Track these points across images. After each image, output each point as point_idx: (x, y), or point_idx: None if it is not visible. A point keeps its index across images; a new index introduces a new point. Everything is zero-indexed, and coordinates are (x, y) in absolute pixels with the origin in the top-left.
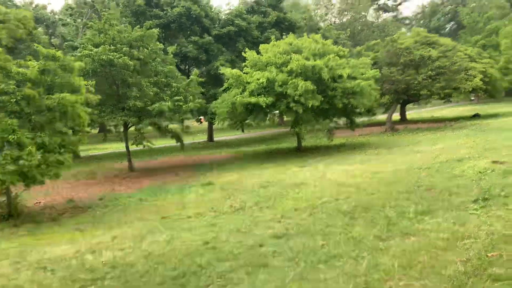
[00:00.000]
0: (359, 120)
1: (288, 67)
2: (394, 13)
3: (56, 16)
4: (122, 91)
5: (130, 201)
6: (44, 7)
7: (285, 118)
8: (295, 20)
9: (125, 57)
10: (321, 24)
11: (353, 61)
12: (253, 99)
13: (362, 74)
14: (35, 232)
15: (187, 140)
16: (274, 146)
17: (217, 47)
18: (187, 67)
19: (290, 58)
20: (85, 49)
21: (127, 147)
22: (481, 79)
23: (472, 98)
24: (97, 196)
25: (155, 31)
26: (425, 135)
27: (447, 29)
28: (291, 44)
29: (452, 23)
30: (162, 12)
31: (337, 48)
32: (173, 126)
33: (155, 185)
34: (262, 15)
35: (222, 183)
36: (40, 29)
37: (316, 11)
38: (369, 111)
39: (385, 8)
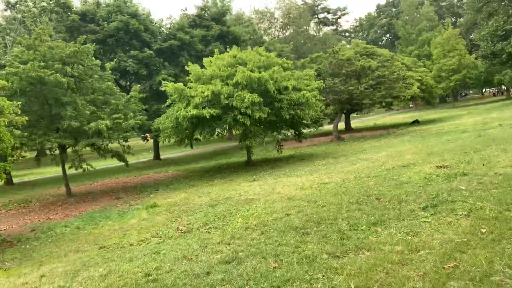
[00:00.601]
0: (306, 131)
1: (234, 80)
2: (334, 27)
3: None
4: (55, 111)
5: (65, 231)
6: None
7: (234, 132)
8: (239, 34)
9: (57, 74)
10: (265, 38)
11: (298, 73)
12: (196, 111)
13: (307, 85)
14: None
15: (131, 159)
16: (224, 161)
17: (159, 61)
18: (128, 83)
19: (235, 71)
20: (11, 67)
21: (63, 171)
22: (418, 87)
23: (410, 106)
24: (29, 227)
25: (90, 46)
26: (370, 143)
27: (384, 40)
28: (235, 57)
29: (388, 35)
30: (98, 27)
31: (281, 60)
32: (114, 145)
33: (95, 211)
34: (206, 29)
35: (168, 204)
36: None
37: (260, 25)
38: (316, 122)
39: (325, 22)
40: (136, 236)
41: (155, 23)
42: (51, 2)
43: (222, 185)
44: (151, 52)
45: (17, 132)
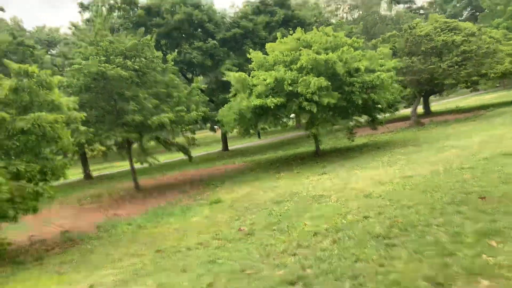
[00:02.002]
0: (381, 116)
1: (298, 64)
2: (408, 4)
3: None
4: (119, 106)
5: (127, 230)
6: (57, 30)
7: (302, 120)
8: (304, 17)
9: (118, 68)
10: (332, 21)
11: (370, 52)
12: (259, 101)
13: (381, 65)
14: (9, 279)
15: (201, 151)
16: (291, 151)
17: (223, 51)
18: (193, 75)
19: (299, 55)
20: (74, 64)
21: (131, 166)
22: (510, 62)
23: (497, 85)
24: (96, 223)
25: (150, 38)
26: (455, 128)
27: (464, 15)
28: (299, 40)
29: (469, 8)
30: (163, 20)
31: (350, 40)
32: (180, 138)
33: (160, 206)
34: (269, 15)
35: (232, 200)
36: (42, 50)
37: (326, 8)
38: (392, 106)
39: (397, 0)
40: (195, 238)
41: (219, 13)
42: (118, 0)
43: (289, 179)
44: (215, 42)
45: (82, 128)
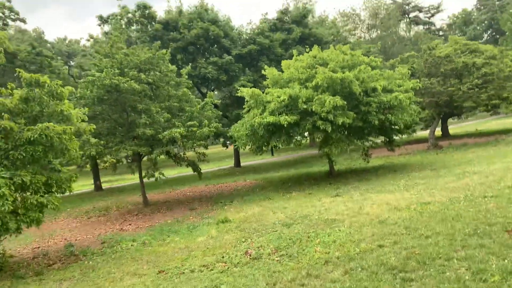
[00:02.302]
0: (398, 137)
1: (313, 82)
2: (427, 26)
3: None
4: (131, 119)
5: (131, 246)
6: (78, 42)
7: (317, 139)
8: (321, 36)
9: (132, 81)
10: (350, 40)
11: (388, 72)
12: (272, 119)
13: (399, 86)
14: None
15: (213, 167)
16: (304, 170)
17: (238, 67)
18: (207, 90)
19: (315, 73)
20: (89, 75)
21: (141, 180)
22: None
23: None
24: (101, 238)
25: (166, 52)
26: (475, 152)
27: (484, 38)
28: (315, 57)
29: (489, 31)
30: (179, 35)
31: (368, 58)
32: (190, 153)
33: (167, 223)
34: (286, 32)
35: (240, 220)
36: (60, 61)
37: (344, 27)
38: (409, 128)
39: (416, 21)
40: (200, 259)
41: (235, 29)
42: (136, 14)
43: (300, 199)
44: (231, 57)
45: (93, 140)
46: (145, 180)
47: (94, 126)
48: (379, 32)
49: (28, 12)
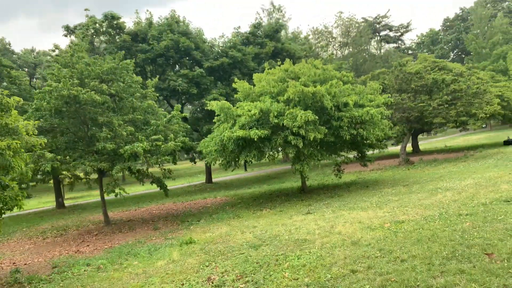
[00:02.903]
0: (370, 153)
1: (285, 96)
2: (396, 44)
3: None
4: (91, 132)
5: (84, 272)
6: (45, 53)
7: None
8: (294, 51)
9: (92, 92)
10: (323, 56)
11: (360, 87)
12: (241, 133)
13: (371, 101)
14: None
15: (183, 182)
16: (277, 186)
17: (209, 80)
18: (178, 103)
19: (287, 86)
20: (45, 86)
21: (102, 198)
22: (498, 103)
23: (484, 126)
24: (53, 262)
25: (130, 62)
26: (445, 168)
27: (450, 57)
28: (287, 71)
29: (455, 50)
30: (148, 47)
31: (340, 73)
32: (156, 169)
33: (127, 244)
34: (259, 46)
35: (206, 241)
36: (22, 71)
37: (317, 44)
38: (381, 142)
39: (387, 40)
40: (157, 287)
41: (208, 42)
42: (103, 24)
43: (271, 218)
44: (202, 70)
45: (49, 155)
46: (110, 196)
47: (45, 140)
48: (351, 49)
49: None
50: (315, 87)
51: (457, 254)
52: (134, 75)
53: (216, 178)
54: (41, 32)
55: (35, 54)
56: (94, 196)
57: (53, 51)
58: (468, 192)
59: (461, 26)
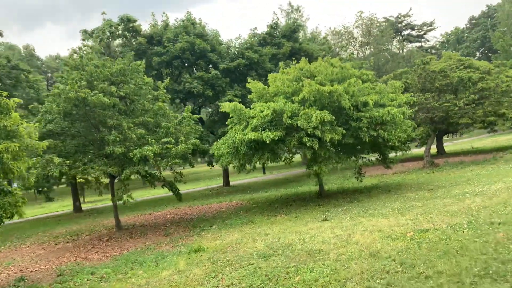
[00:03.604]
0: (393, 155)
1: (300, 96)
2: (419, 43)
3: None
4: (100, 135)
5: (87, 281)
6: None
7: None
8: (312, 50)
9: (101, 94)
10: (342, 55)
11: (381, 85)
12: (253, 135)
13: (392, 100)
14: None
15: (201, 185)
16: (294, 190)
17: (225, 81)
18: (196, 106)
19: (302, 86)
20: (55, 88)
21: (113, 202)
22: None
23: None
24: (59, 269)
25: (140, 63)
26: (473, 170)
27: (476, 56)
28: (302, 70)
29: (482, 49)
30: (164, 49)
31: (359, 71)
32: (167, 173)
33: (136, 251)
34: (276, 47)
35: (216, 249)
36: (40, 76)
37: (337, 44)
38: (404, 144)
39: (409, 39)
40: None
41: (224, 44)
42: (119, 27)
43: (285, 224)
44: (217, 72)
45: (57, 159)
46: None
47: (47, 143)
48: (372, 49)
49: (24, 30)
50: (332, 86)
51: (490, 271)
52: (145, 76)
53: (233, 181)
54: (67, 39)
55: (58, 60)
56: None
57: (72, 56)
58: (499, 197)
59: (487, 24)
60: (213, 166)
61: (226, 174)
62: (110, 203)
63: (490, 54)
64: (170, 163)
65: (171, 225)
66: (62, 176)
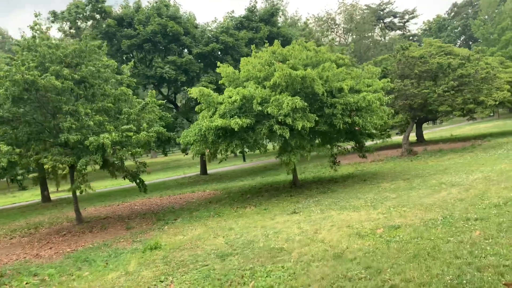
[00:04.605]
0: (371, 143)
1: (271, 81)
2: (401, 31)
3: None
4: (54, 122)
5: (26, 284)
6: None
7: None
8: (291, 35)
9: (53, 77)
10: (323, 42)
11: (357, 70)
12: (220, 122)
13: (368, 85)
14: None
15: (180, 173)
16: (270, 178)
17: (199, 66)
18: (171, 92)
19: (275, 70)
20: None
21: (73, 194)
22: (508, 90)
23: (491, 114)
24: (4, 269)
25: (99, 43)
26: (451, 159)
27: (457, 44)
28: (274, 53)
29: (463, 37)
30: (134, 32)
31: (335, 55)
32: (131, 163)
33: (91, 248)
34: (253, 31)
35: (174, 246)
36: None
37: (318, 29)
38: (384, 132)
39: (391, 27)
40: None
41: (199, 27)
42: (86, 8)
43: (252, 218)
44: (191, 57)
45: (5, 148)
46: (99, 190)
47: None
48: (354, 36)
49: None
50: (305, 70)
51: (464, 281)
52: (105, 58)
53: (212, 169)
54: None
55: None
56: (97, 186)
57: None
58: (477, 188)
59: (469, 12)
60: (186, 153)
61: (203, 162)
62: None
63: (470, 43)
64: (130, 152)
65: (136, 218)
66: (13, 166)
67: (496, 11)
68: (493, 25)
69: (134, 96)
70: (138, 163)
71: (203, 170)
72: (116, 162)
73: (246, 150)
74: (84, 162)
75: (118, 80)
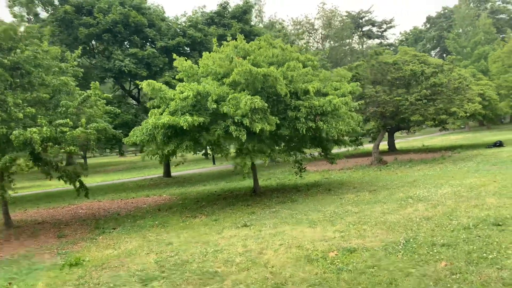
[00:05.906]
0: (343, 150)
1: (230, 78)
2: (379, 40)
3: None
4: None
5: None
6: None
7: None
8: (264, 34)
9: None
10: (299, 43)
11: (325, 72)
12: (166, 119)
13: (336, 89)
14: None
15: (143, 175)
16: (234, 184)
17: (163, 61)
18: (134, 87)
19: (236, 65)
20: None
21: (1, 194)
22: (479, 103)
23: (462, 126)
24: None
25: (37, 26)
26: (421, 170)
27: (432, 55)
28: (236, 48)
29: (438, 49)
30: (93, 20)
31: (303, 56)
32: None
33: (9, 260)
34: (225, 28)
35: (97, 263)
36: None
37: (295, 32)
38: (356, 139)
39: (369, 35)
40: None
41: (167, 20)
42: None
43: (198, 230)
44: (154, 50)
45: None
46: (40, 190)
47: None
48: (332, 43)
49: None
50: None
51: None
52: (46, 43)
53: (178, 171)
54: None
55: None
56: (44, 186)
57: None
58: (445, 205)
59: (444, 24)
60: (123, 154)
61: (167, 164)
62: (38, 191)
63: (444, 55)
64: (62, 150)
65: (74, 224)
66: None
67: (470, 25)
68: (466, 39)
69: (77, 88)
70: (75, 164)
71: (167, 172)
72: (50, 160)
73: (209, 152)
74: (8, 159)
75: (61, 69)
